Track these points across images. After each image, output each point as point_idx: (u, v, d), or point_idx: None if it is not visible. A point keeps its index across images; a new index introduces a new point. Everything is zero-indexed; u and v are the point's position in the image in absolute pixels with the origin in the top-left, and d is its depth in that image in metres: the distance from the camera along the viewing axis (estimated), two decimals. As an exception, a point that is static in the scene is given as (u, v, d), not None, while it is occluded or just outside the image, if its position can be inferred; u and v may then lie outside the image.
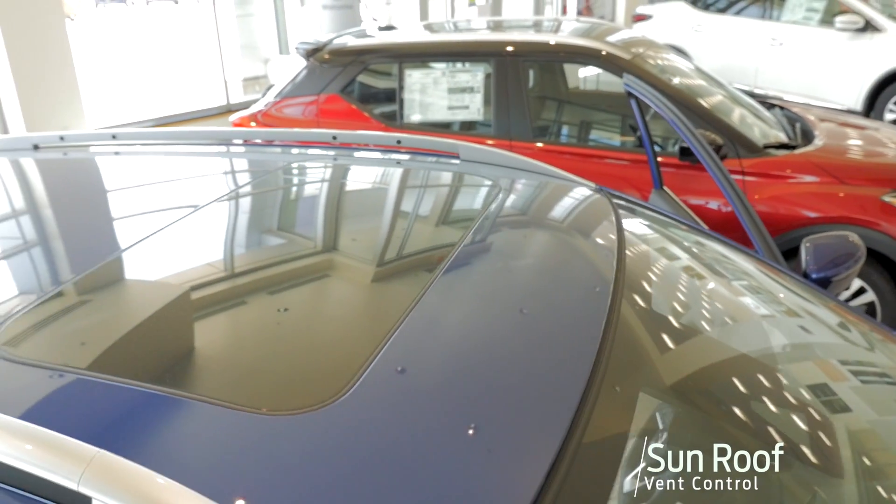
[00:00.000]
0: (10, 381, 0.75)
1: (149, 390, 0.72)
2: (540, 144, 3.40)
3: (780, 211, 3.08)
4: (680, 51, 7.38)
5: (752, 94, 4.02)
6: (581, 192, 1.41)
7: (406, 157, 1.57)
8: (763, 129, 3.42)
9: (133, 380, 0.74)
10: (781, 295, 1.42)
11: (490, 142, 3.34)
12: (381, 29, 3.97)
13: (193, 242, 1.14)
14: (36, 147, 1.62)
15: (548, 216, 1.36)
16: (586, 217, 1.33)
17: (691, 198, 3.12)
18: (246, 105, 3.87)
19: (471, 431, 0.70)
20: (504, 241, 1.17)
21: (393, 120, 3.55)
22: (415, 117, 3.57)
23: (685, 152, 3.12)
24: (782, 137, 3.40)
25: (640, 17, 8.08)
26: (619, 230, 1.21)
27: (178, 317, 0.92)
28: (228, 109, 6.31)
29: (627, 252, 1.15)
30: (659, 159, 3.15)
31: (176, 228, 1.15)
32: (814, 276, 1.77)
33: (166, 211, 1.25)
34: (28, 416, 0.63)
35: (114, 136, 1.62)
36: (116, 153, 1.61)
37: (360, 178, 1.53)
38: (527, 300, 0.97)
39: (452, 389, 0.76)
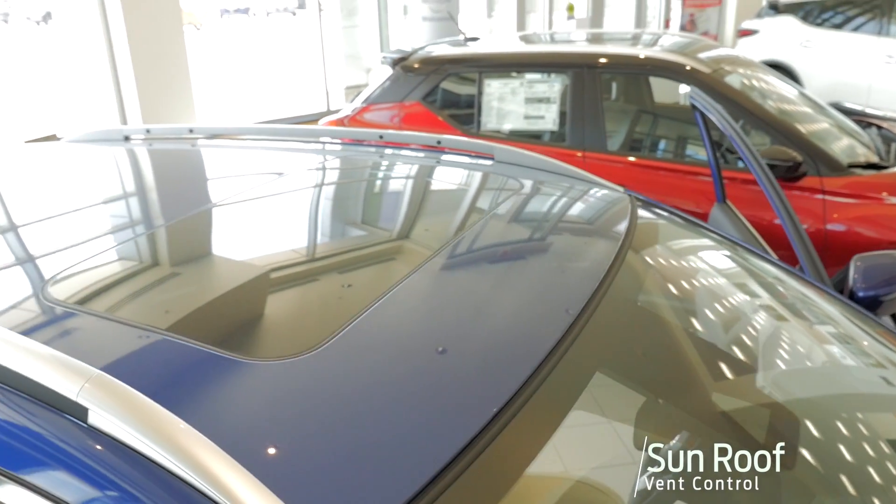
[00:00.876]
0: (49, 319, 0.92)
1: (164, 335, 0.85)
2: (615, 157, 3.41)
3: (862, 232, 2.96)
4: (785, 68, 7.12)
5: (855, 113, 3.85)
6: (603, 194, 1.45)
7: (445, 156, 1.68)
8: (851, 148, 3.29)
9: (149, 324, 0.88)
10: (791, 300, 1.42)
11: (581, 153, 3.38)
12: (467, 40, 4.10)
13: (239, 220, 1.31)
14: (126, 138, 1.86)
15: (559, 213, 1.42)
16: (598, 215, 1.38)
17: (772, 216, 3.04)
18: (344, 112, 4.11)
19: (418, 382, 0.80)
20: (507, 231, 1.24)
21: (470, 127, 3.66)
22: (492, 126, 3.67)
23: (763, 168, 3.05)
24: (872, 157, 3.25)
25: (746, 32, 7.84)
26: (630, 231, 1.26)
27: (204, 278, 1.08)
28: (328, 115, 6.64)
29: (632, 252, 1.20)
30: (739, 175, 3.12)
31: (224, 209, 1.32)
32: (860, 294, 1.72)
33: (216, 194, 1.43)
34: (34, 335, 0.77)
35: (191, 130, 1.83)
36: (193, 145, 1.81)
37: (399, 174, 1.65)
38: (508, 283, 1.05)
39: (406, 348, 0.86)
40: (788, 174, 3.01)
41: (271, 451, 0.69)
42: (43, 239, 1.23)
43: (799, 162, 3.00)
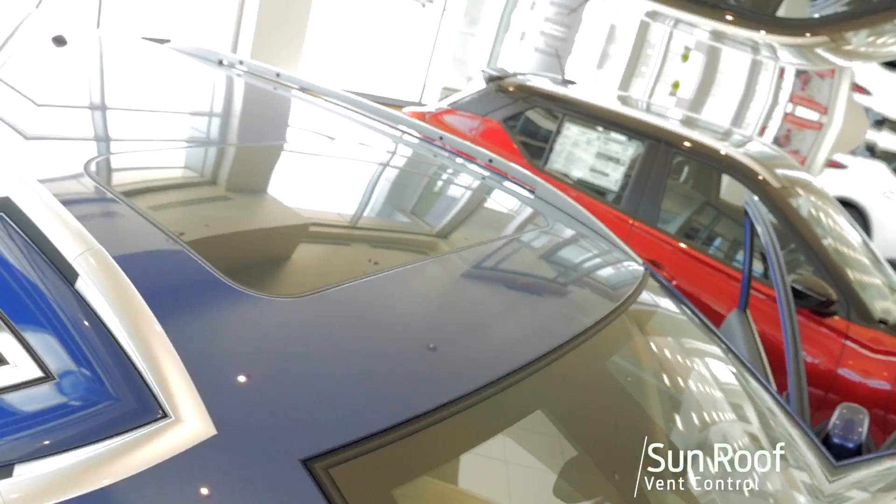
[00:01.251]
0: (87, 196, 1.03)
1: (175, 242, 0.91)
2: (662, 235, 3.46)
3: (870, 385, 2.98)
4: (860, 209, 7.04)
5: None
6: (621, 259, 1.52)
7: (492, 175, 1.79)
8: (890, 307, 3.30)
9: (166, 227, 0.93)
10: (753, 419, 1.46)
11: (631, 221, 3.47)
12: (565, 81, 4.23)
13: (276, 165, 1.45)
14: (220, 62, 2.04)
15: (571, 261, 1.48)
16: (606, 276, 1.45)
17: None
18: (433, 107, 4.28)
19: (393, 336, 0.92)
20: (515, 260, 1.33)
21: (539, 161, 3.78)
22: (558, 166, 3.78)
23: (797, 294, 3.08)
24: (906, 320, 3.26)
25: (835, 164, 7.79)
26: (628, 301, 1.31)
27: (228, 207, 1.19)
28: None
29: (622, 321, 1.25)
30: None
31: (267, 151, 1.47)
32: (834, 439, 1.77)
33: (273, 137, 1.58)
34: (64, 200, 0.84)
35: (278, 75, 1.99)
36: (274, 88, 1.97)
37: (445, 178, 1.75)
38: (496, 301, 1.15)
39: (380, 323, 0.96)
40: (819, 308, 3.05)
41: (223, 370, 0.75)
42: (106, 123, 1.35)
43: (832, 300, 3.03)
